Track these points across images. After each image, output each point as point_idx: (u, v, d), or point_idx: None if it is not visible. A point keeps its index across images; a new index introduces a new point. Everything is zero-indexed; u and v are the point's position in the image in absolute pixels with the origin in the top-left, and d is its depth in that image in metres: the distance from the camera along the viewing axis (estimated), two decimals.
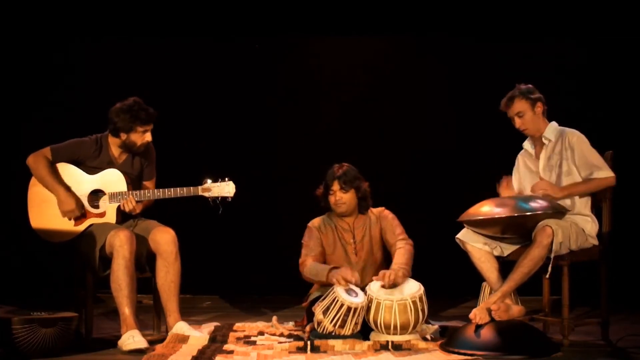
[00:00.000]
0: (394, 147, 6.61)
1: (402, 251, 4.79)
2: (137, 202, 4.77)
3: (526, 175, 4.82)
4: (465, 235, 4.63)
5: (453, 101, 6.59)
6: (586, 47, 6.44)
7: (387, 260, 4.91)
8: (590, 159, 4.59)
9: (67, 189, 4.76)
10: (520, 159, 4.88)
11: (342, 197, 4.90)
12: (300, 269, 4.88)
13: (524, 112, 4.69)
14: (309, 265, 4.81)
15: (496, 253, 4.62)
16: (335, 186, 4.91)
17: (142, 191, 4.81)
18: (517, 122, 4.72)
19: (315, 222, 5.02)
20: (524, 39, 6.47)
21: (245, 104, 6.67)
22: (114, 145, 4.88)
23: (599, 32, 6.38)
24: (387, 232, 4.93)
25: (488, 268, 4.60)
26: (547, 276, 4.44)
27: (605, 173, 4.59)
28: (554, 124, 4.75)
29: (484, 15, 6.46)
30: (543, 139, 4.72)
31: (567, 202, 4.60)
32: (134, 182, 4.87)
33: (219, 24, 6.58)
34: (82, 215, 4.77)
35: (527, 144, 4.85)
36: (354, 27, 6.61)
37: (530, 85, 4.74)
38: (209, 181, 4.80)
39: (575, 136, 4.64)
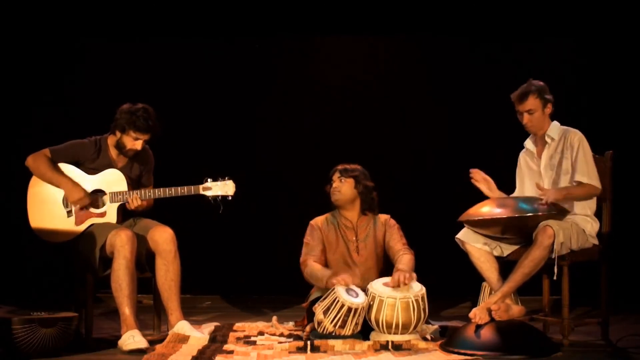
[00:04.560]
0: (394, 146, 6.61)
1: (407, 257, 4.81)
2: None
3: (528, 174, 4.81)
4: (465, 235, 4.63)
5: (453, 101, 6.59)
6: (585, 46, 6.44)
7: (388, 264, 4.91)
8: (587, 164, 4.58)
9: (72, 180, 4.77)
10: (522, 158, 4.88)
11: (338, 186, 4.96)
12: (301, 268, 4.89)
13: (535, 110, 4.67)
14: (310, 267, 4.82)
15: (496, 253, 4.62)
16: (335, 176, 4.99)
17: (143, 190, 4.82)
18: (525, 119, 4.69)
19: (318, 220, 5.03)
20: (524, 38, 6.47)
21: (246, 104, 6.67)
22: (112, 148, 4.88)
23: (598, 31, 6.38)
24: (392, 239, 4.94)
25: (488, 268, 4.60)
26: (555, 278, 4.43)
27: (595, 182, 4.58)
28: (556, 123, 4.74)
29: (484, 15, 6.46)
30: (546, 138, 4.71)
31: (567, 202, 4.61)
32: (133, 185, 4.87)
33: (219, 25, 6.58)
34: (88, 206, 4.76)
35: (528, 143, 4.84)
36: (354, 27, 6.61)
37: (542, 83, 4.71)
38: (209, 180, 4.82)
39: (577, 136, 4.64)
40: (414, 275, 4.61)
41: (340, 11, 6.52)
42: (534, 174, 4.78)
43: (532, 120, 4.69)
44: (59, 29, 6.47)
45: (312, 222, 5.03)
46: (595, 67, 6.42)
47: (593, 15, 6.33)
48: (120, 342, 4.47)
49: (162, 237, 4.73)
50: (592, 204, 4.66)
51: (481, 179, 4.83)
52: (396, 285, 4.53)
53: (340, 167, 5.02)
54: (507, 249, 4.62)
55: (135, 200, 4.76)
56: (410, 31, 6.62)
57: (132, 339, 4.42)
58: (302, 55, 6.77)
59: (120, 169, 4.86)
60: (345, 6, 6.50)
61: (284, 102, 6.70)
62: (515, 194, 4.87)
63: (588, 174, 4.57)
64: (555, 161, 4.68)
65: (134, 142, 4.80)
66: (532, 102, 4.67)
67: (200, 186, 4.81)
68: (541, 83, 4.72)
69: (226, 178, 4.84)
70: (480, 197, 4.72)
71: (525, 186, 4.83)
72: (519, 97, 4.69)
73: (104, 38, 6.55)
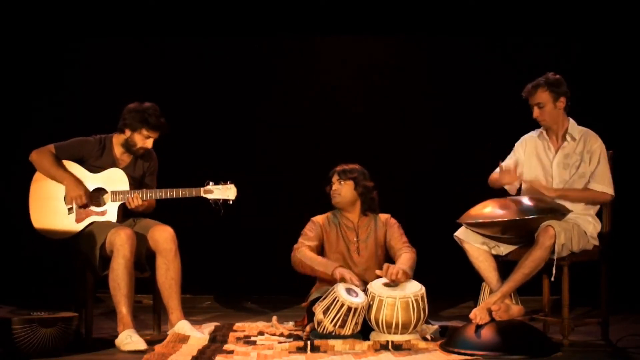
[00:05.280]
0: (394, 146, 6.61)
1: (407, 256, 4.81)
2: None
3: (532, 161, 4.77)
4: (463, 234, 4.62)
5: (454, 101, 6.59)
6: (585, 46, 6.44)
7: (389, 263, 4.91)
8: (600, 171, 4.58)
9: (75, 177, 4.78)
10: (530, 141, 4.81)
11: (338, 188, 4.97)
12: (292, 252, 4.87)
13: (545, 104, 4.64)
14: (304, 252, 4.81)
15: (495, 252, 4.61)
16: (334, 178, 4.99)
17: (144, 190, 4.82)
18: (536, 112, 4.67)
19: (320, 218, 5.04)
20: (524, 38, 6.47)
21: (246, 104, 6.66)
22: (117, 146, 4.90)
23: (599, 31, 6.38)
24: (392, 238, 4.95)
25: (486, 267, 4.59)
26: (552, 279, 4.43)
27: (606, 189, 4.58)
28: (573, 122, 4.71)
29: (484, 15, 6.45)
30: (567, 136, 4.68)
31: (569, 203, 4.60)
32: (135, 185, 4.87)
33: (219, 24, 6.57)
34: (87, 205, 4.76)
35: (545, 132, 4.78)
36: (354, 27, 6.60)
37: (558, 77, 4.68)
38: (211, 183, 4.81)
39: (598, 142, 4.62)
40: (405, 271, 4.58)
41: (340, 11, 6.51)
42: (543, 165, 4.74)
43: (543, 114, 4.66)
44: (61, 28, 6.47)
45: (313, 218, 5.04)
46: (595, 67, 6.41)
47: (593, 15, 6.33)
48: (117, 341, 4.48)
49: (163, 236, 4.73)
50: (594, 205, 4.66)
51: (508, 171, 4.75)
52: (389, 279, 4.52)
53: (339, 168, 5.01)
54: (506, 249, 4.62)
55: (136, 199, 4.76)
56: (410, 31, 6.62)
57: (129, 338, 4.43)
58: (302, 55, 6.76)
59: (123, 169, 4.86)
60: (345, 6, 6.50)
61: (284, 102, 6.69)
62: (505, 164, 4.80)
63: (604, 182, 4.57)
64: (570, 161, 4.65)
65: (145, 141, 4.83)
66: (540, 96, 4.64)
67: (202, 189, 4.81)
68: (556, 76, 4.67)
69: (228, 182, 4.84)
70: (480, 197, 4.72)
71: (526, 170, 4.77)
72: (529, 90, 4.68)
73: (104, 37, 6.54)
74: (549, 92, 4.64)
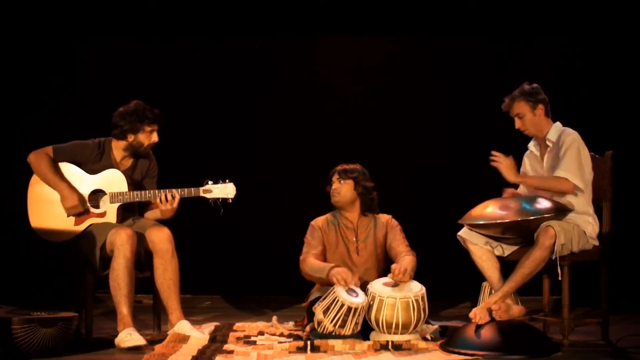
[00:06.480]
0: (394, 146, 6.61)
1: (408, 258, 4.80)
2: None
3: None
4: (466, 234, 4.63)
5: (454, 101, 6.59)
6: (586, 46, 6.44)
7: (388, 265, 4.91)
8: (567, 159, 4.53)
9: (70, 185, 4.76)
10: (526, 160, 4.89)
11: (337, 187, 4.97)
12: (300, 265, 4.89)
13: (524, 114, 4.69)
14: (310, 261, 4.83)
15: (497, 253, 4.62)
16: (334, 177, 5.01)
17: (143, 192, 4.81)
18: (517, 123, 4.73)
19: (319, 220, 5.04)
20: (525, 38, 6.47)
21: (246, 104, 6.66)
22: (117, 150, 4.88)
23: (599, 31, 6.38)
24: (394, 240, 4.95)
25: (489, 267, 4.60)
26: (560, 278, 4.43)
27: (568, 175, 4.50)
28: (558, 124, 4.72)
29: (484, 15, 6.46)
30: (547, 141, 4.71)
31: (568, 202, 4.60)
32: (133, 187, 4.86)
33: (219, 25, 6.58)
34: (84, 211, 4.75)
35: (532, 145, 4.84)
36: (354, 27, 6.61)
37: (534, 85, 4.71)
38: (210, 182, 4.81)
39: (570, 137, 4.60)
40: (409, 271, 4.59)
41: (341, 11, 6.52)
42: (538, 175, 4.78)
43: (525, 123, 4.70)
44: (61, 28, 6.47)
45: (312, 222, 5.04)
46: (595, 67, 6.42)
47: (594, 14, 6.33)
48: (117, 340, 4.48)
49: (159, 237, 4.72)
50: (590, 202, 4.64)
51: (503, 161, 4.74)
52: (394, 276, 4.52)
53: (339, 168, 5.02)
54: (507, 249, 4.62)
55: (170, 201, 4.72)
56: (410, 31, 6.62)
57: (129, 336, 4.43)
58: (302, 55, 6.76)
59: (123, 172, 4.85)
60: (345, 6, 6.50)
61: (283, 102, 6.70)
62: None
63: (568, 170, 4.51)
64: (555, 163, 4.67)
65: (150, 136, 4.84)
66: (518, 107, 4.70)
67: (201, 188, 4.80)
68: (532, 85, 4.71)
69: (227, 180, 4.83)
70: (481, 197, 4.72)
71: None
72: (507, 103, 4.74)
73: (104, 37, 6.55)
74: (525, 101, 4.68)
